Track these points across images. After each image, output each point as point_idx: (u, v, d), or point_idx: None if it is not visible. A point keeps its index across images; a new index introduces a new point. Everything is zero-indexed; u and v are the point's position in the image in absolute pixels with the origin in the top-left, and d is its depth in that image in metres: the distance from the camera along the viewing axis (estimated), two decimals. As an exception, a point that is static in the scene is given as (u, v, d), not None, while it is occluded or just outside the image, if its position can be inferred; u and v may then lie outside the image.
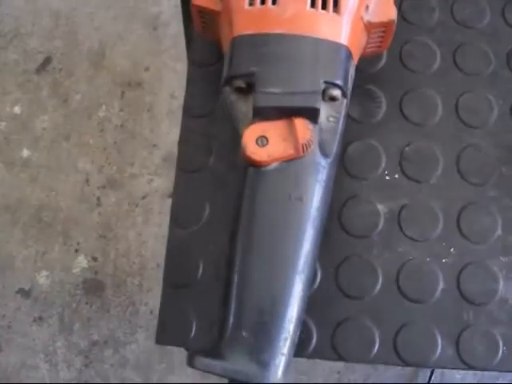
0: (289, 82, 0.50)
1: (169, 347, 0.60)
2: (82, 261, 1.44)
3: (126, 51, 1.58)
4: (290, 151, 0.49)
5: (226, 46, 0.52)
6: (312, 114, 0.49)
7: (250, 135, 0.48)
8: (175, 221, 0.60)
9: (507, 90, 0.63)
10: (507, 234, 0.59)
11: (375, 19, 0.53)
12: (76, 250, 1.45)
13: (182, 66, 1.48)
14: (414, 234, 0.59)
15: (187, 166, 0.61)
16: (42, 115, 1.54)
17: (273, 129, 0.49)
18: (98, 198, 1.48)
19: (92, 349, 1.39)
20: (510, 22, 0.66)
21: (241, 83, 0.51)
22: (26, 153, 1.52)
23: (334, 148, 0.51)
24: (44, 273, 1.44)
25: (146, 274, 1.41)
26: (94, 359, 1.39)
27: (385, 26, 0.54)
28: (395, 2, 0.55)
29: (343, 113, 0.52)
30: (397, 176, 0.60)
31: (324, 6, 0.51)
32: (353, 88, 0.55)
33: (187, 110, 0.63)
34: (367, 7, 0.53)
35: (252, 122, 0.49)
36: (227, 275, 0.50)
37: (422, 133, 0.61)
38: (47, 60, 1.59)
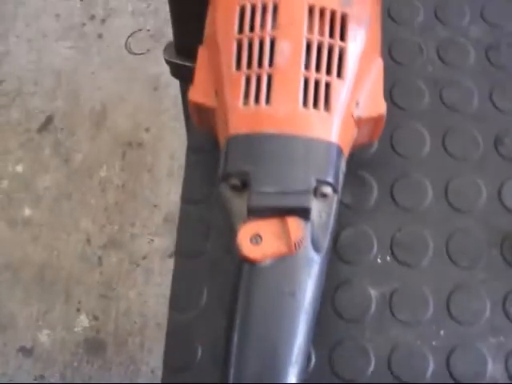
0: (282, 182, 0.52)
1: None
2: (83, 320, 1.45)
3: (127, 112, 1.61)
4: (284, 249, 0.50)
5: (222, 143, 0.55)
6: (304, 213, 0.51)
7: (244, 234, 0.50)
8: (174, 305, 0.61)
9: (495, 173, 0.65)
10: (496, 315, 0.60)
11: (365, 114, 0.56)
12: (78, 309, 1.46)
13: (182, 127, 1.51)
14: (405, 317, 0.60)
15: (185, 251, 0.63)
16: (44, 174, 1.57)
17: (266, 227, 0.51)
18: (99, 258, 1.49)
19: (94, 408, 1.40)
20: (497, 105, 0.68)
21: (236, 181, 0.53)
22: (27, 212, 1.54)
23: (326, 242, 0.53)
24: (45, 331, 1.45)
25: (146, 333, 1.42)
26: (96, 419, 1.39)
27: (375, 120, 0.56)
28: (385, 92, 0.57)
29: (334, 208, 0.54)
30: (388, 260, 0.62)
31: (315, 105, 0.53)
32: (344, 174, 0.57)
33: (185, 196, 0.65)
34: (357, 103, 0.55)
35: (247, 220, 0.51)
36: (223, 365, 0.52)
37: (413, 217, 0.63)
38: (49, 119, 1.62)
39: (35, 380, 1.41)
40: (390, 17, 0.71)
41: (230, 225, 0.54)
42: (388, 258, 0.62)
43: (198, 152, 0.66)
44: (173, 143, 1.56)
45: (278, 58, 0.53)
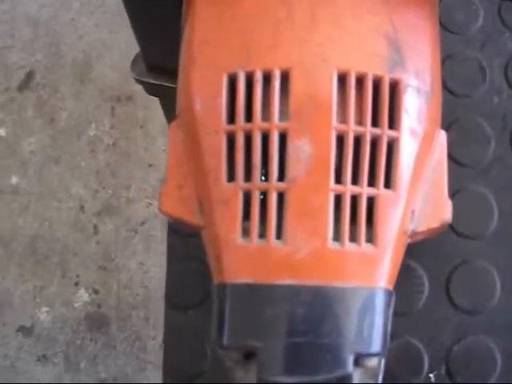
0: (303, 364, 0.31)
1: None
2: (83, 294, 1.27)
3: (113, 61, 1.37)
4: None
5: (213, 285, 0.34)
6: None
7: None
8: None
9: None
10: None
11: (423, 227, 0.34)
12: (76, 283, 1.28)
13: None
14: None
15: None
16: (29, 137, 1.35)
17: None
18: (95, 226, 1.30)
19: (101, 388, 1.24)
20: None
21: (237, 355, 0.32)
22: (14, 180, 1.33)
23: None
24: (44, 309, 1.27)
25: (151, 306, 1.24)
26: (103, 398, 1.24)
27: (436, 230, 0.35)
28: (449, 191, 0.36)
29: (380, 377, 0.34)
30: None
31: (353, 238, 0.32)
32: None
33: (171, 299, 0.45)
34: (413, 213, 0.34)
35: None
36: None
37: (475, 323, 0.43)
38: (29, 76, 1.38)
39: (38, 361, 1.25)
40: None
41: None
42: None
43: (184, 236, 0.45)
44: (165, 97, 1.32)
45: (292, 166, 0.32)
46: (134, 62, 0.55)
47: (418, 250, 0.42)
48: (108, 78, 1.36)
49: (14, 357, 1.26)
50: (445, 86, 0.46)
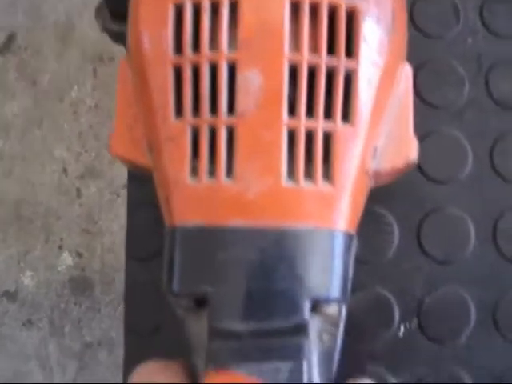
0: (257, 310, 0.29)
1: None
2: (66, 258, 1.25)
3: (94, 20, 1.33)
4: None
5: (166, 229, 0.32)
6: (294, 351, 0.29)
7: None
8: None
9: None
10: None
11: (387, 167, 0.32)
12: (59, 247, 1.26)
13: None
14: None
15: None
16: (11, 100, 1.32)
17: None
18: (78, 189, 1.27)
19: (86, 351, 1.22)
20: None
21: (188, 302, 0.30)
22: (-3, 143, 1.30)
23: (331, 373, 0.32)
24: (28, 273, 1.25)
25: (135, 269, 1.22)
26: (88, 362, 1.22)
27: (401, 170, 0.33)
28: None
29: (342, 325, 0.32)
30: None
31: (309, 175, 0.30)
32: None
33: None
34: (374, 150, 0.32)
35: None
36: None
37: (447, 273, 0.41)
38: (11, 38, 1.35)
39: (23, 326, 1.23)
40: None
41: (188, 346, 0.33)
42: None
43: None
44: (147, 58, 1.29)
45: (242, 99, 0.29)
46: (98, 9, 0.52)
47: (387, 196, 0.40)
48: (90, 38, 1.33)
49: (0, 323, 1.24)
50: (416, 27, 0.44)
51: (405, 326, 0.41)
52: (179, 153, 0.30)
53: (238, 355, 0.29)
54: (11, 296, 1.25)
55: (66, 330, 1.23)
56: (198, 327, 0.31)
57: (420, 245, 0.41)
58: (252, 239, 0.29)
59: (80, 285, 1.24)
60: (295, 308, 0.29)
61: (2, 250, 1.26)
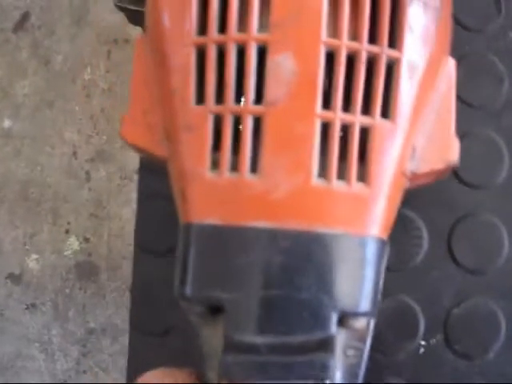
0: (278, 323, 0.26)
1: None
2: (73, 242, 1.22)
3: (110, 3, 1.30)
4: None
5: (181, 226, 0.29)
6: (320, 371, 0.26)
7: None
8: None
9: None
10: None
11: (425, 168, 0.29)
12: (67, 231, 1.23)
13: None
14: None
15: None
16: (23, 80, 1.29)
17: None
18: (87, 172, 1.24)
19: (89, 337, 1.20)
20: None
21: (201, 309, 0.27)
22: (7, 123, 1.27)
23: None
24: (34, 256, 1.23)
25: (142, 256, 1.19)
26: (91, 348, 1.19)
27: (440, 172, 0.30)
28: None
29: (369, 340, 0.29)
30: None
31: (342, 174, 0.26)
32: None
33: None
34: (413, 150, 0.28)
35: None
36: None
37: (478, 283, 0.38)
38: (25, 16, 1.31)
39: (27, 309, 1.21)
40: None
41: (199, 355, 0.30)
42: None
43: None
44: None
45: (271, 86, 0.26)
46: (115, -14, 0.49)
47: (416, 198, 0.37)
48: (105, 20, 1.30)
49: (3, 304, 1.21)
50: (455, 19, 0.40)
51: (430, 339, 0.38)
52: (199, 143, 0.27)
53: (255, 371, 0.26)
54: (16, 278, 1.22)
55: (70, 315, 1.20)
56: (211, 336, 0.28)
57: (450, 252, 0.38)
58: (275, 242, 0.26)
59: (86, 270, 1.21)
60: (320, 321, 0.26)
61: (8, 230, 1.23)
